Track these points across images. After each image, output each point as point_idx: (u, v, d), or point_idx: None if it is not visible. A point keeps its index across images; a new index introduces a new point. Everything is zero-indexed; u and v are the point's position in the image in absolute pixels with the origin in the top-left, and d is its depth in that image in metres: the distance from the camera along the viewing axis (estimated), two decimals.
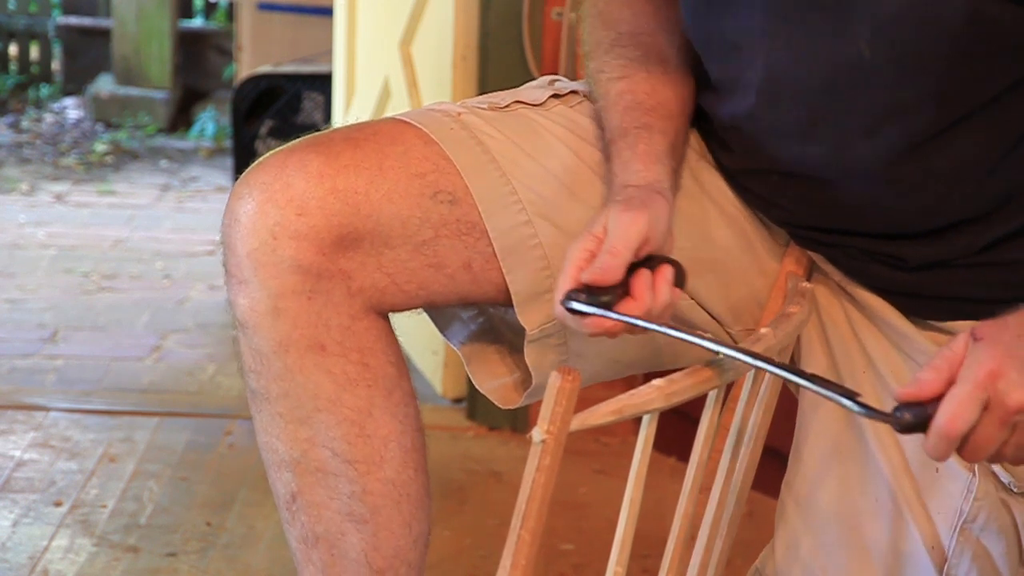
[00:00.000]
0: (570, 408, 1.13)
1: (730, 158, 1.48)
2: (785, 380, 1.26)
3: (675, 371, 1.29)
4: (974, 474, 1.39)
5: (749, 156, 1.46)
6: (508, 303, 1.45)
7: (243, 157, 3.86)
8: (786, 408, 1.50)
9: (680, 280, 1.36)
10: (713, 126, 1.49)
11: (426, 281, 1.42)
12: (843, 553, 1.45)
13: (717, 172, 1.51)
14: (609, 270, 1.30)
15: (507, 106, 1.48)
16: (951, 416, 1.15)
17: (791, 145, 1.41)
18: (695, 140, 1.52)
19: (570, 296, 1.30)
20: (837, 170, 1.40)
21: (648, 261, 1.34)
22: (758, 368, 1.27)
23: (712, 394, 1.30)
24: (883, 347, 1.46)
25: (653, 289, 1.32)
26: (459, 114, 1.46)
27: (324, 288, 1.38)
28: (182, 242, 4.63)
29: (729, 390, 1.40)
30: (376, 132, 1.43)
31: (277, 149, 1.42)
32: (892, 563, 1.43)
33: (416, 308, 1.46)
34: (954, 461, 1.40)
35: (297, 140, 1.43)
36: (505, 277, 1.42)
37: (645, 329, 1.28)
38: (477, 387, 1.52)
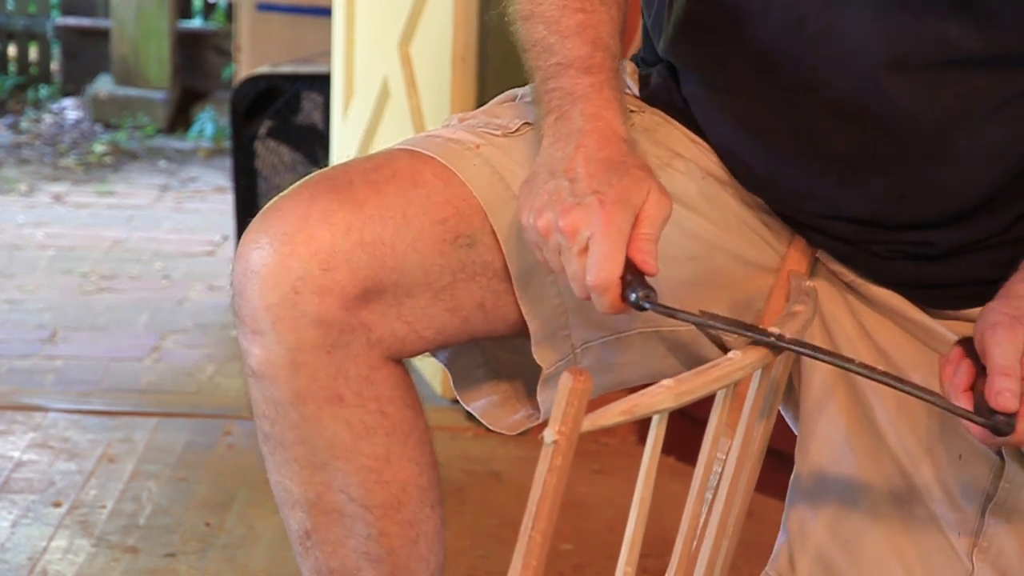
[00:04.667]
0: (581, 409, 1.12)
1: (768, 142, 1.44)
2: (894, 388, 1.30)
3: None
4: (1001, 458, 1.39)
5: (794, 137, 1.42)
6: (513, 336, 1.42)
7: (242, 157, 3.86)
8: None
9: None
10: (747, 109, 1.44)
11: (443, 326, 1.39)
12: (862, 545, 1.44)
13: (716, 182, 1.47)
14: (656, 259, 1.28)
15: (517, 130, 1.44)
16: None
17: (844, 124, 1.38)
18: (695, 152, 1.47)
19: (646, 294, 1.27)
20: (889, 147, 1.38)
21: None
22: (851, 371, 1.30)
23: (720, 393, 1.28)
24: (897, 337, 1.45)
25: None
26: (478, 147, 1.41)
27: (345, 341, 1.34)
28: (181, 242, 4.63)
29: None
30: (395, 173, 1.38)
31: (292, 191, 1.37)
32: (916, 551, 1.42)
33: (430, 351, 1.43)
34: (979, 445, 1.39)
35: (312, 180, 1.38)
36: (525, 317, 1.39)
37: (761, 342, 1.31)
38: (464, 405, 1.49)
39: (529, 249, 1.35)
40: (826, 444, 1.47)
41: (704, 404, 1.26)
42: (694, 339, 1.47)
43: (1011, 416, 1.24)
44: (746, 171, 1.46)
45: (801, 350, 1.30)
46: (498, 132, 1.44)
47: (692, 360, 1.48)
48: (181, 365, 3.53)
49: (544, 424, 1.16)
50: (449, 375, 1.49)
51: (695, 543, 1.34)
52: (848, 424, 1.46)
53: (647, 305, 1.27)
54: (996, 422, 1.24)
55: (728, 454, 1.37)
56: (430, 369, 3.23)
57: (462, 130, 1.44)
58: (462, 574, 2.51)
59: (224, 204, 4.80)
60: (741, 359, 1.29)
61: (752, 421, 1.37)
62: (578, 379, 1.10)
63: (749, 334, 1.30)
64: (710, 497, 1.36)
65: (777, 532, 1.53)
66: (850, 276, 1.47)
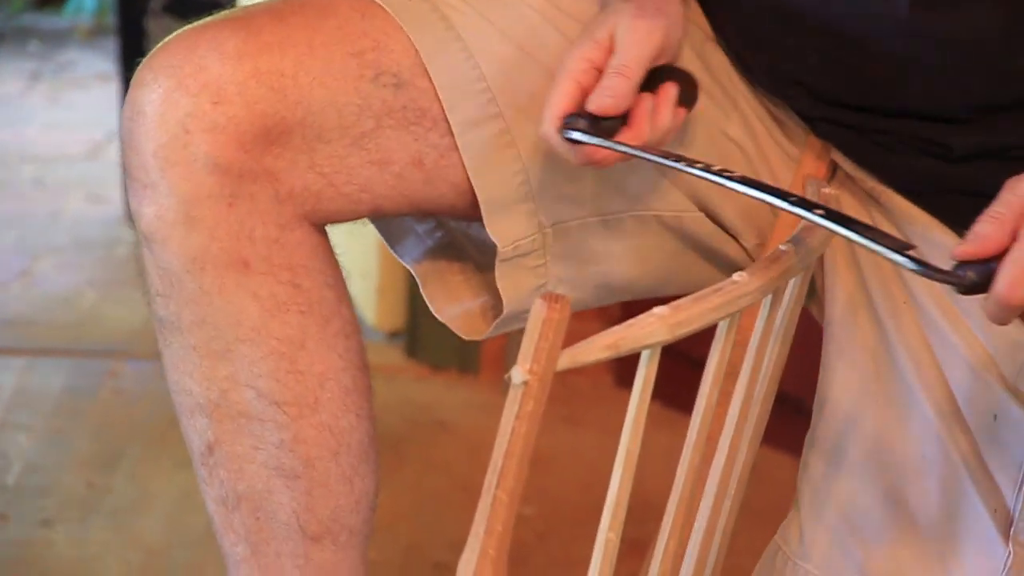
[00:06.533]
0: (557, 343, 1.12)
1: (746, 21, 1.48)
2: (821, 227, 1.29)
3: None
4: None
5: (772, 14, 1.45)
6: (471, 212, 1.44)
7: (131, 38, 3.84)
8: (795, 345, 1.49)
9: (687, 97, 1.40)
10: None
11: (369, 182, 1.41)
12: (883, 519, 1.45)
13: (725, 54, 1.52)
14: (620, 96, 1.33)
15: None
16: (1011, 282, 1.17)
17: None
18: (699, 16, 1.52)
19: (569, 123, 1.33)
20: (870, 21, 1.41)
21: (650, 76, 1.37)
22: (782, 209, 1.29)
23: (723, 325, 1.28)
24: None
25: (654, 114, 1.35)
26: None
27: (247, 192, 1.37)
28: (56, 142, 4.61)
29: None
30: (304, 4, 1.42)
31: (187, 27, 1.41)
32: (945, 529, 1.43)
33: (360, 217, 1.45)
34: (1016, 407, 1.40)
35: (211, 16, 1.42)
36: (471, 181, 1.42)
37: (639, 158, 1.34)
38: (435, 314, 1.52)
39: (476, 99, 1.41)
40: (845, 394, 1.49)
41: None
42: (705, 229, 1.50)
43: (970, 267, 1.20)
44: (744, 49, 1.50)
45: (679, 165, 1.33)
46: None
47: (712, 257, 1.52)
48: (57, 292, 3.52)
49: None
50: (420, 282, 1.53)
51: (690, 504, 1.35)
52: (870, 369, 1.48)
53: (570, 135, 1.33)
54: (962, 278, 1.20)
55: (731, 397, 1.37)
56: (362, 296, 3.24)
57: None
58: (402, 544, 2.52)
59: (108, 95, 4.76)
60: (748, 282, 1.29)
61: (760, 358, 1.38)
62: (553, 307, 1.10)
63: (694, 171, 1.32)
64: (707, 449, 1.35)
65: (783, 492, 1.55)
66: (869, 183, 1.49)
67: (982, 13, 1.37)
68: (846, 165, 1.51)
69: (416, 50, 1.41)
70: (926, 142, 1.44)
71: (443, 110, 1.42)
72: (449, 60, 1.42)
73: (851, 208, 1.51)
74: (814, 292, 1.53)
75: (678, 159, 1.33)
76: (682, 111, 1.39)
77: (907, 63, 1.41)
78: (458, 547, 1.18)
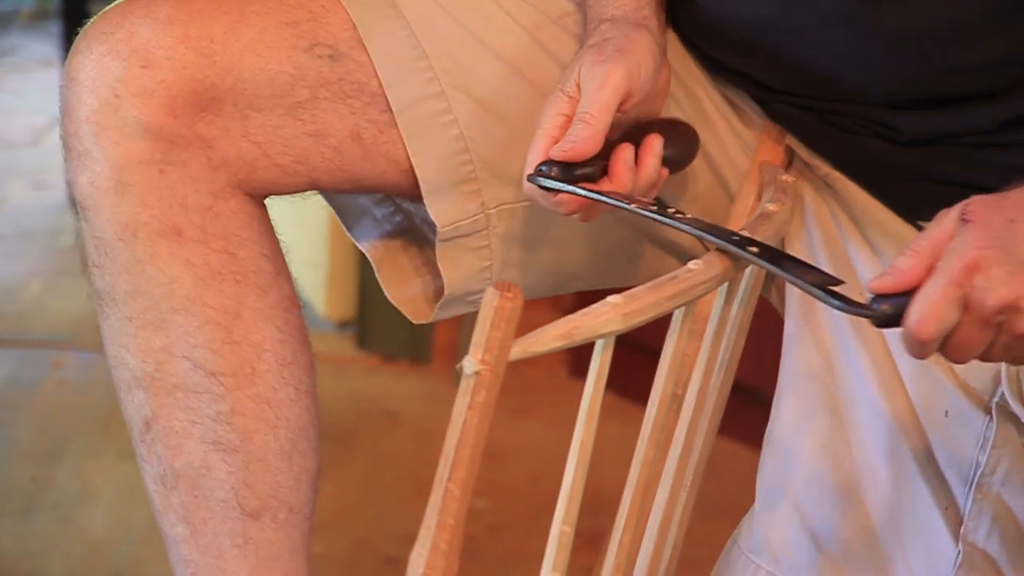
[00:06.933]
0: (510, 332, 1.12)
1: (695, 15, 1.49)
2: (755, 263, 1.31)
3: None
4: (991, 417, 1.39)
5: (719, 9, 1.46)
6: (415, 191, 1.45)
7: (74, 21, 3.81)
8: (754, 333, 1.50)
9: (684, 151, 1.41)
10: None
11: (305, 153, 1.43)
12: (835, 517, 1.45)
13: (679, 41, 1.52)
14: (583, 143, 1.34)
15: None
16: (920, 318, 1.15)
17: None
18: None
19: (540, 170, 1.34)
20: (818, 13, 1.41)
21: (638, 128, 1.38)
22: (721, 248, 1.31)
23: (678, 314, 1.29)
24: (871, 259, 1.47)
25: (637, 166, 1.36)
26: None
27: (179, 158, 1.39)
28: None
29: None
30: None
31: None
32: (896, 527, 1.43)
33: (298, 190, 1.46)
34: (966, 403, 1.40)
35: None
36: (411, 159, 1.43)
37: (623, 210, 1.34)
38: (389, 298, 1.53)
39: (416, 77, 1.43)
40: (801, 388, 1.48)
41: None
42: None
43: (885, 300, 1.18)
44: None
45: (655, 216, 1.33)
46: None
47: (664, 246, 1.52)
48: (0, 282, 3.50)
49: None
50: (375, 265, 1.54)
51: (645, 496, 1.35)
52: (826, 362, 1.47)
53: (537, 180, 1.34)
54: (876, 312, 1.18)
55: (686, 387, 1.37)
56: (311, 285, 3.24)
57: None
58: (352, 537, 2.52)
59: (51, 80, 4.75)
60: (703, 271, 1.29)
61: (716, 348, 1.38)
62: (505, 295, 1.10)
63: (640, 212, 1.33)
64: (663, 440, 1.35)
65: (742, 484, 1.54)
66: (824, 169, 1.49)
67: (932, 5, 1.37)
68: (801, 151, 1.51)
69: (354, 24, 1.43)
70: (876, 124, 1.44)
71: (381, 85, 1.43)
72: (390, 36, 1.44)
73: (808, 196, 1.51)
74: (774, 281, 1.54)
75: (632, 202, 1.34)
76: (665, 170, 1.39)
77: (855, 56, 1.41)
78: (409, 541, 1.17)
